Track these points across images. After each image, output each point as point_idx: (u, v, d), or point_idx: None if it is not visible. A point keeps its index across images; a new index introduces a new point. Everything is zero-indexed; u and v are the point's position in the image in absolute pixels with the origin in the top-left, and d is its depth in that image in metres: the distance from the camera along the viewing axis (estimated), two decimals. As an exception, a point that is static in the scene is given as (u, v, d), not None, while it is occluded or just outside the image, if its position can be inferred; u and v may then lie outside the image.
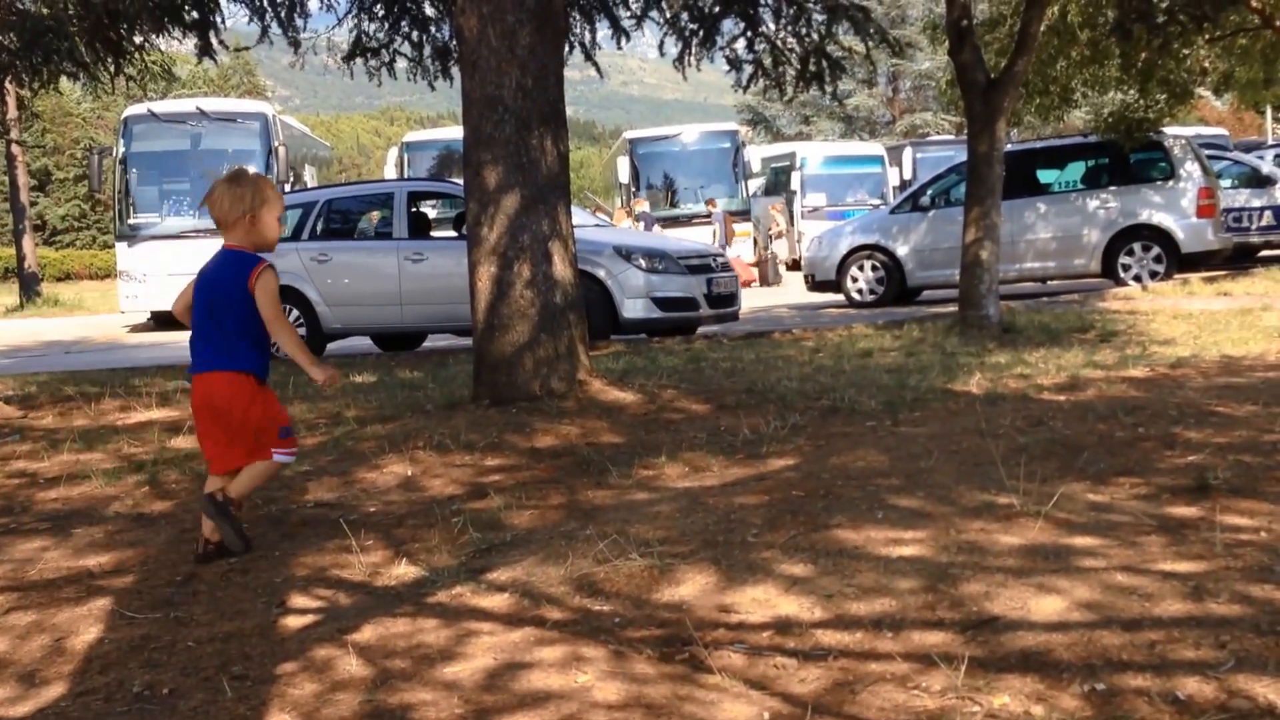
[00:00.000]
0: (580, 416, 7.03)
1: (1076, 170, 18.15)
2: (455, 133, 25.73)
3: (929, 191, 17.92)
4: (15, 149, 29.26)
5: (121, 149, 22.30)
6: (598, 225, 15.51)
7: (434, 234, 14.16)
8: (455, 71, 10.94)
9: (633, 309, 12.61)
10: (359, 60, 13.18)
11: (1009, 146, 13.83)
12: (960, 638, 3.43)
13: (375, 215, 14.97)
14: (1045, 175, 18.09)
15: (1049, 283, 18.37)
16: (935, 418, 6.52)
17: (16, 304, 28.44)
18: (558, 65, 7.80)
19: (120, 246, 22.14)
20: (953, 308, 12.20)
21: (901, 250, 17.48)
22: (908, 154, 32.84)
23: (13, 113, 27.86)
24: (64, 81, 13.61)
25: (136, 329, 21.56)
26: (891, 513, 4.59)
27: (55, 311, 27.45)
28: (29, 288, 29.02)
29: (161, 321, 21.89)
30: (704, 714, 3.15)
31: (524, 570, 4.31)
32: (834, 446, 5.97)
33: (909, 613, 3.62)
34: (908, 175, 31.30)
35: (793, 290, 21.51)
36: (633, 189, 29.86)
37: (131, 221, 22.01)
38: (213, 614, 4.11)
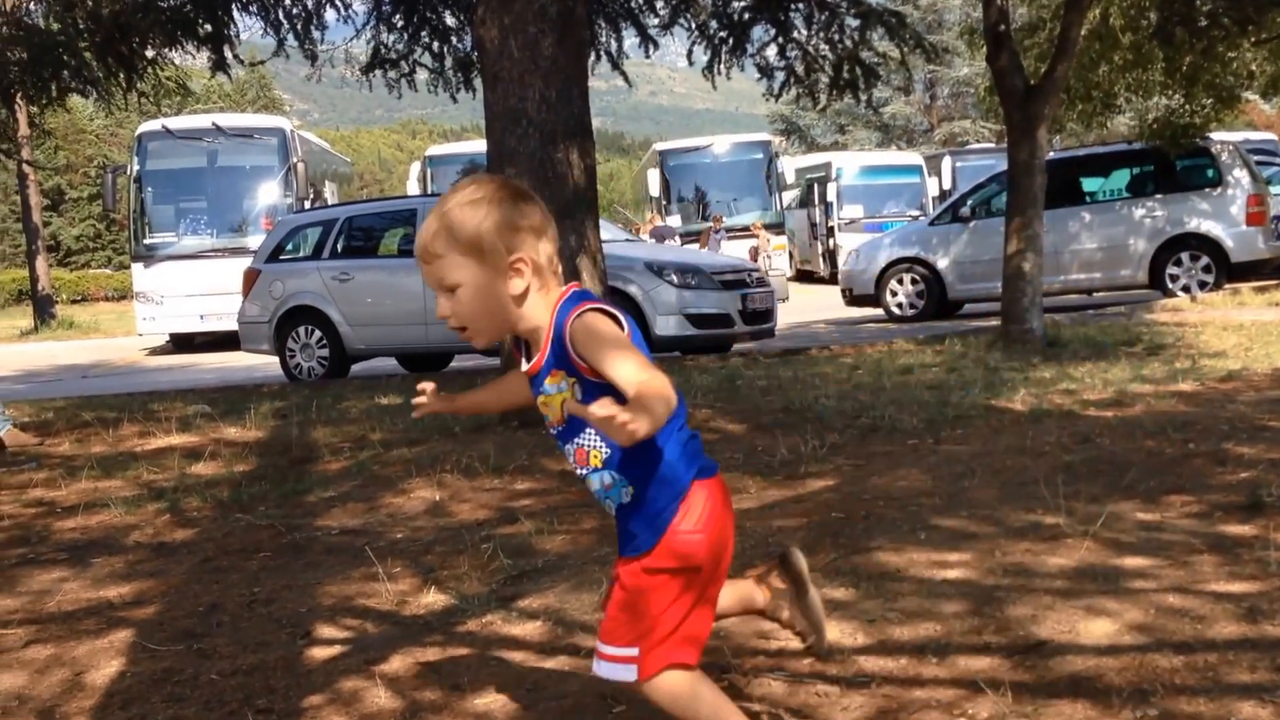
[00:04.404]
0: (613, 437, 6.92)
1: (1121, 178, 17.95)
2: (480, 146, 25.60)
3: (969, 202, 17.77)
4: (27, 168, 29.15)
5: (136, 167, 22.11)
6: (628, 240, 15.42)
7: None
8: (478, 83, 10.84)
9: (665, 326, 12.50)
10: (378, 72, 13.09)
11: (1051, 155, 13.66)
12: (1007, 662, 3.35)
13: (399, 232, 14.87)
14: (1089, 184, 17.90)
15: (1094, 294, 18.18)
16: (978, 435, 6.41)
17: (31, 327, 28.29)
18: (581, 76, 7.72)
19: (136, 267, 21.92)
20: (995, 321, 12.07)
21: (942, 263, 17.32)
22: (946, 163, 32.66)
23: (23, 130, 27.75)
24: (75, 98, 13.57)
25: (154, 352, 21.57)
26: (934, 534, 4.49)
27: (70, 334, 27.28)
28: (43, 310, 28.88)
29: (180, 344, 21.79)
30: (743, 746, 3.05)
31: (556, 597, 4.23)
32: (874, 466, 5.86)
33: (954, 637, 3.55)
34: (947, 185, 31.12)
35: (811, 304, 21.46)
36: (663, 202, 29.75)
37: (147, 241, 21.79)
38: (236, 646, 4.02)
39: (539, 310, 2.51)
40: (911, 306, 17.62)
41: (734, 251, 23.12)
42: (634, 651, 2.50)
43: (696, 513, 2.56)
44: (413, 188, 29.36)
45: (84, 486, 6.94)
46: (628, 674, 2.51)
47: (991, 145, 38.07)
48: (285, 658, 3.94)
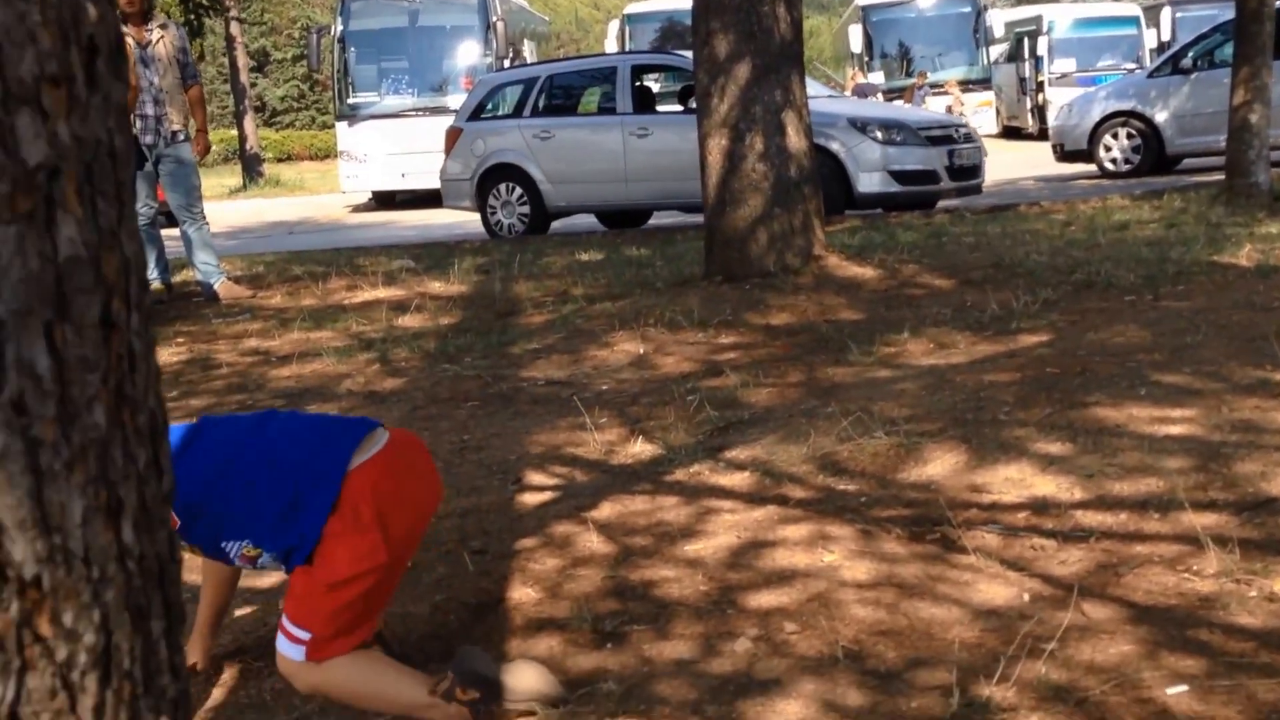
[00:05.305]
0: (817, 292, 6.84)
1: (1360, 24, 16.76)
2: (676, 3, 25.11)
3: (1191, 53, 16.84)
4: (235, 30, 29.49)
5: (339, 27, 22.20)
6: (830, 96, 15.06)
7: (659, 108, 13.94)
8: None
9: (868, 183, 12.21)
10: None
11: (1281, 1, 12.81)
12: (1235, 519, 3.25)
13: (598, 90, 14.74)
14: (1323, 31, 16.77)
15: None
16: (1201, 291, 6.12)
17: (240, 185, 28.76)
18: (788, -73, 7.48)
19: (340, 126, 22.16)
20: (1217, 176, 11.50)
21: (1160, 116, 16.51)
22: (1166, 14, 30.97)
23: (230, -8, 27.96)
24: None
25: (357, 209, 21.99)
26: (1155, 390, 4.32)
27: (277, 192, 27.64)
28: (251, 169, 29.36)
29: (383, 201, 22.16)
30: (959, 594, 3.03)
31: (764, 449, 4.21)
32: (1090, 322, 5.65)
33: (1177, 493, 3.43)
34: (1165, 37, 29.56)
35: (1019, 161, 20.71)
36: (865, 59, 28.97)
37: (351, 101, 21.98)
38: (449, 490, 4.11)
39: None
40: (1126, 162, 16.88)
41: (938, 108, 22.44)
42: None
43: None
44: (611, 46, 29.07)
45: (296, 337, 7.14)
46: None
47: (1215, -5, 35.96)
48: (498, 502, 4.03)
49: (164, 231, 9.07)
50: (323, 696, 2.85)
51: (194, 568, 3.22)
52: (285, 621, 2.76)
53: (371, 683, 2.78)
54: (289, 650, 2.74)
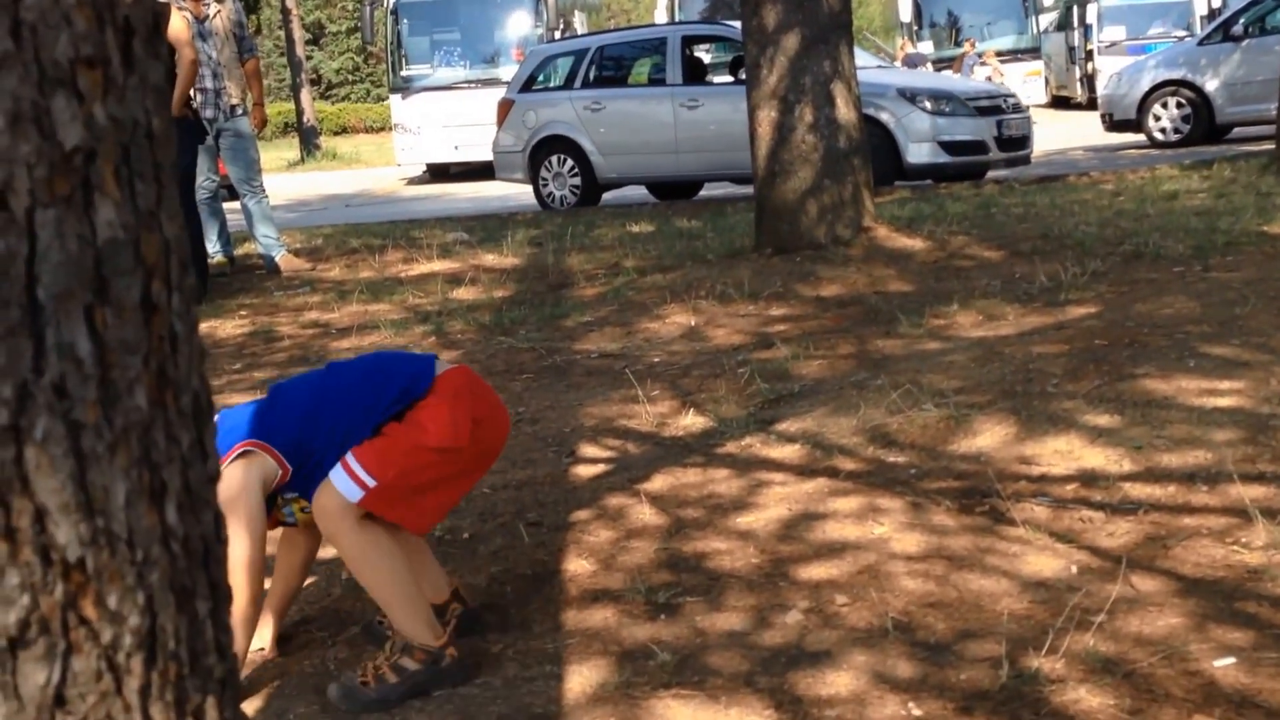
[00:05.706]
0: (867, 264, 6.87)
1: None
2: (726, -25, 25.01)
3: (1242, 20, 16.62)
4: (290, 2, 29.52)
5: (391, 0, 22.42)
6: (879, 67, 14.99)
7: (709, 79, 13.93)
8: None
9: (917, 153, 12.18)
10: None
11: (1336, -35, 12.65)
12: None
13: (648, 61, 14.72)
14: (1377, -2, 16.53)
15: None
16: (1251, 262, 6.09)
17: (298, 158, 28.88)
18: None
19: (394, 99, 22.23)
20: (1268, 145, 11.39)
21: (1210, 85, 16.31)
22: (1217, -20, 30.66)
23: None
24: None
25: (412, 181, 22.11)
26: (1204, 362, 4.33)
27: (334, 165, 27.73)
28: (308, 142, 29.46)
29: (437, 174, 22.25)
30: (1008, 566, 3.07)
31: (814, 421, 4.26)
32: (1138, 293, 5.65)
33: (1226, 465, 3.45)
34: (1217, 4, 29.22)
35: (1068, 132, 20.54)
36: (915, 28, 28.78)
37: (404, 73, 22.04)
38: (505, 462, 4.19)
39: None
40: (1176, 131, 16.71)
41: (980, 79, 22.29)
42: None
43: None
44: (660, 17, 28.99)
45: (355, 309, 7.24)
46: None
47: (1269, -43, 35.39)
48: (552, 474, 4.10)
49: (225, 205, 9.20)
50: (336, 545, 2.86)
51: (271, 539, 3.31)
52: (352, 461, 2.76)
53: (398, 572, 2.83)
54: (345, 487, 2.75)
